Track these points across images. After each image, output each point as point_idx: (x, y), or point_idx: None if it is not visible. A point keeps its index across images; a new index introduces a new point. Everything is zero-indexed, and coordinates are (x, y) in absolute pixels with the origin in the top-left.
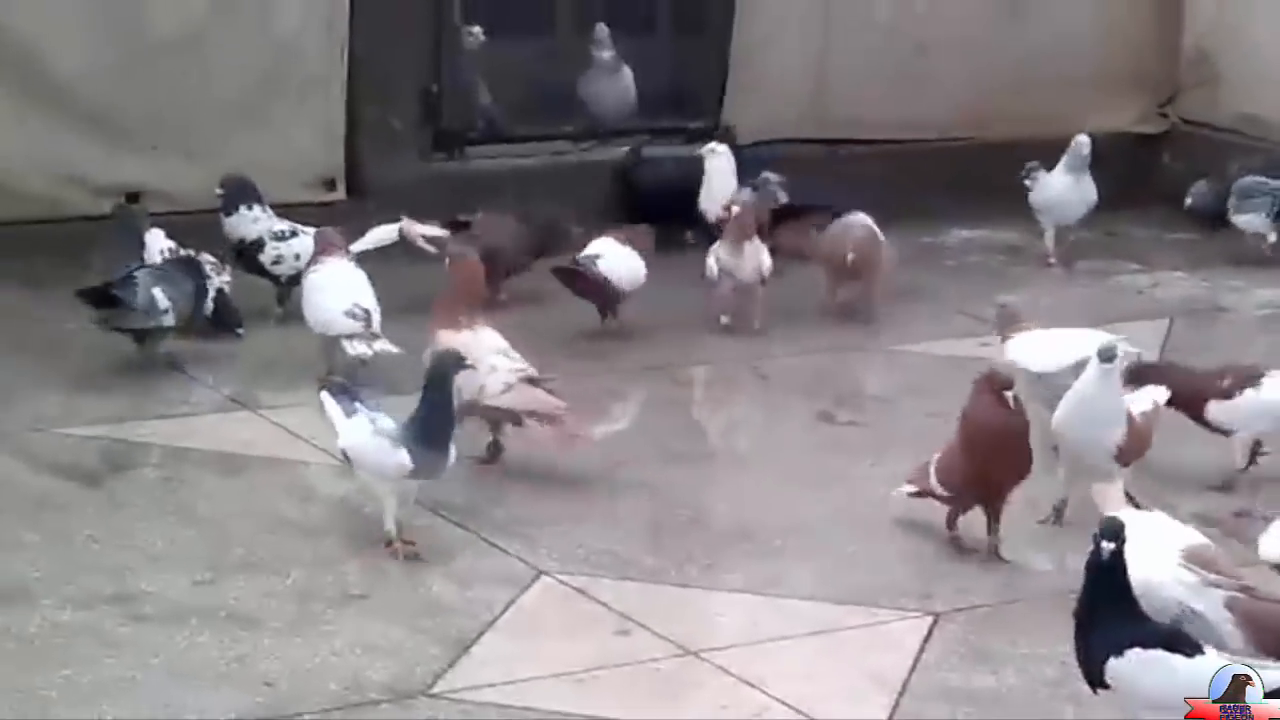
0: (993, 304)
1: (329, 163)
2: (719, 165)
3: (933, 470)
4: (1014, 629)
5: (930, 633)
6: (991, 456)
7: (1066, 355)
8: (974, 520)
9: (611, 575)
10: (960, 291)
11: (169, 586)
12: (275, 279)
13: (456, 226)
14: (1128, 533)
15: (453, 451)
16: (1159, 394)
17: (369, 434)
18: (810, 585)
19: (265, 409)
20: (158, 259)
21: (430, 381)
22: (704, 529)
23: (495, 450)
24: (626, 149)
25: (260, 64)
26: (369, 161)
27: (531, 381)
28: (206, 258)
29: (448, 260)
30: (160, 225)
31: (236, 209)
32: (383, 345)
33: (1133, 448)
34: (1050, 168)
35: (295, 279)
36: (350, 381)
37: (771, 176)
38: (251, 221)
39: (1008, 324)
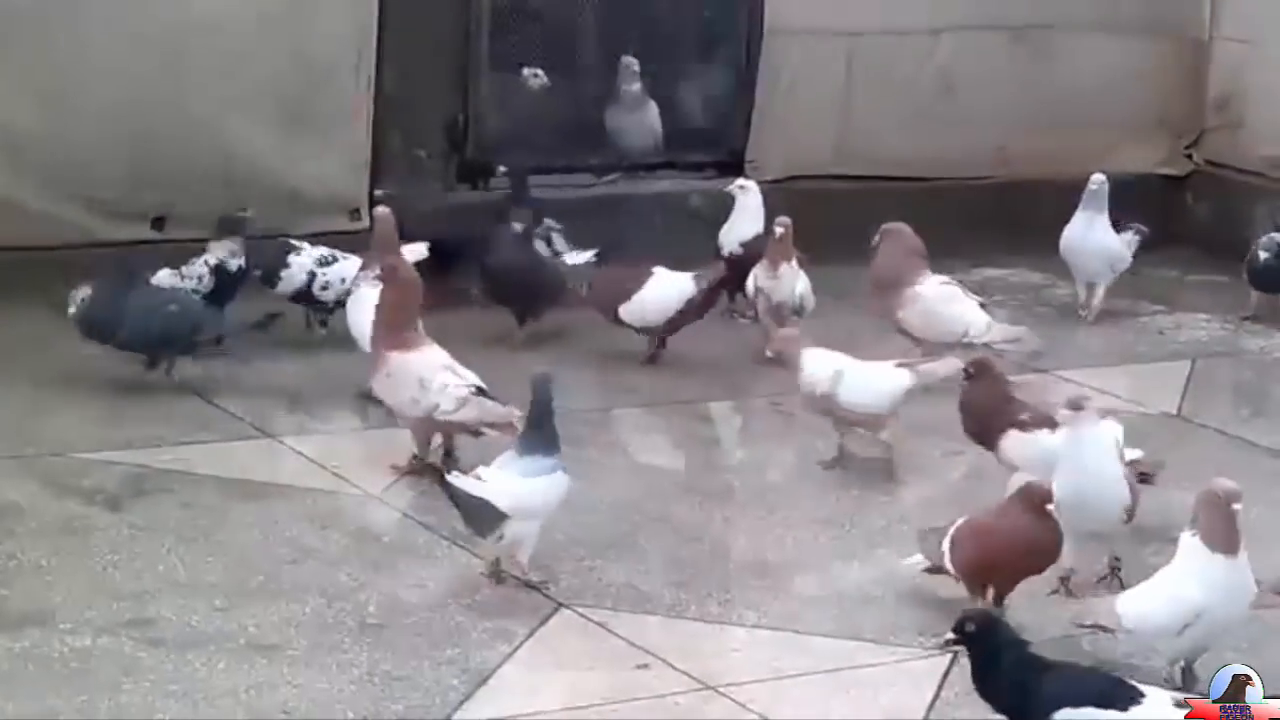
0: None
1: (354, 192)
2: (747, 202)
3: (948, 551)
4: None
5: (948, 671)
6: (1020, 564)
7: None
8: None
9: (631, 609)
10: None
11: (188, 613)
12: (322, 305)
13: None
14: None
15: None
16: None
17: (521, 479)
18: (830, 622)
19: (288, 436)
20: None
21: (539, 403)
22: (724, 564)
23: (451, 462)
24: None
25: (289, 93)
26: (395, 191)
27: (480, 392)
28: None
29: (381, 274)
30: (186, 251)
31: (285, 264)
32: None
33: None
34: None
35: (340, 302)
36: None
37: (553, 224)
38: (299, 270)
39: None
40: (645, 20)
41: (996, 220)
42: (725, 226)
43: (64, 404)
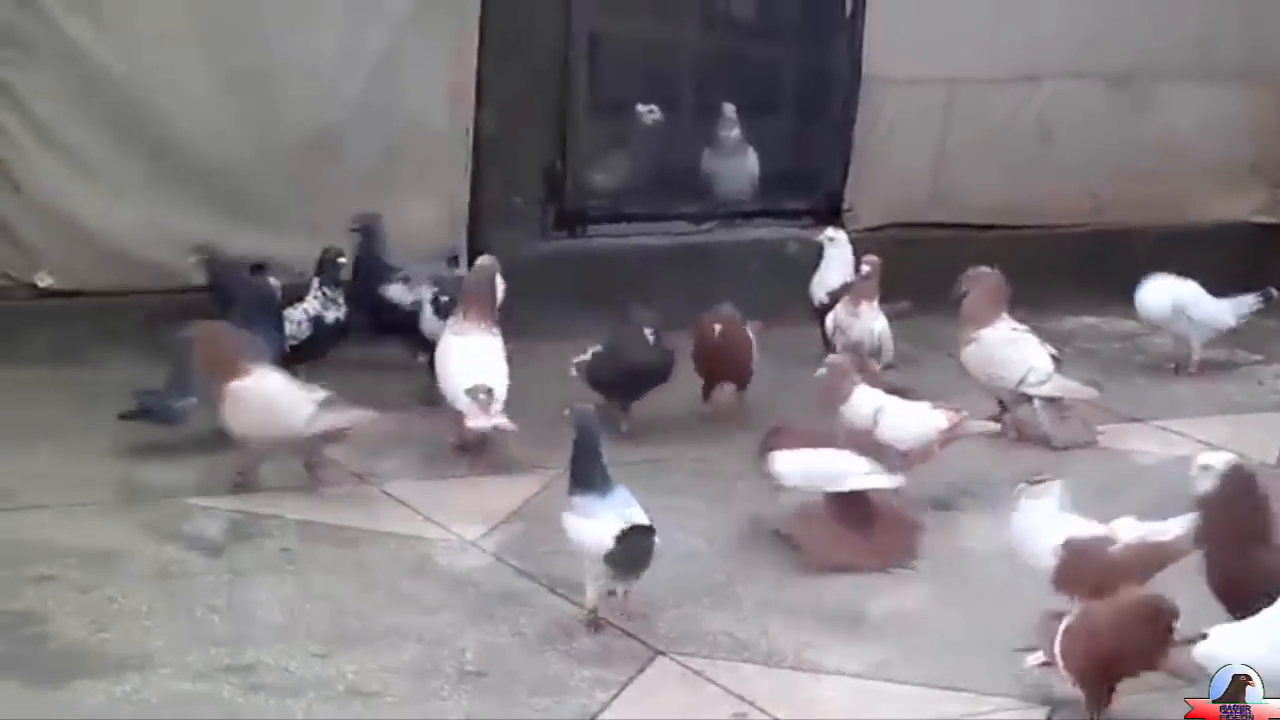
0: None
1: (451, 238)
2: (837, 253)
3: (1059, 649)
4: None
5: None
6: (1131, 673)
7: None
8: None
9: (729, 656)
10: (1072, 378)
11: (287, 658)
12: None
13: None
14: None
15: None
16: None
17: (568, 517)
18: (924, 671)
19: (387, 483)
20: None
21: (583, 437)
22: (818, 611)
23: (316, 475)
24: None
25: (386, 139)
26: (491, 238)
27: (327, 403)
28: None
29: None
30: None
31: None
32: (502, 422)
33: None
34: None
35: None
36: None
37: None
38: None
39: None
40: (743, 66)
41: (1089, 268)
42: (815, 276)
43: (165, 449)
